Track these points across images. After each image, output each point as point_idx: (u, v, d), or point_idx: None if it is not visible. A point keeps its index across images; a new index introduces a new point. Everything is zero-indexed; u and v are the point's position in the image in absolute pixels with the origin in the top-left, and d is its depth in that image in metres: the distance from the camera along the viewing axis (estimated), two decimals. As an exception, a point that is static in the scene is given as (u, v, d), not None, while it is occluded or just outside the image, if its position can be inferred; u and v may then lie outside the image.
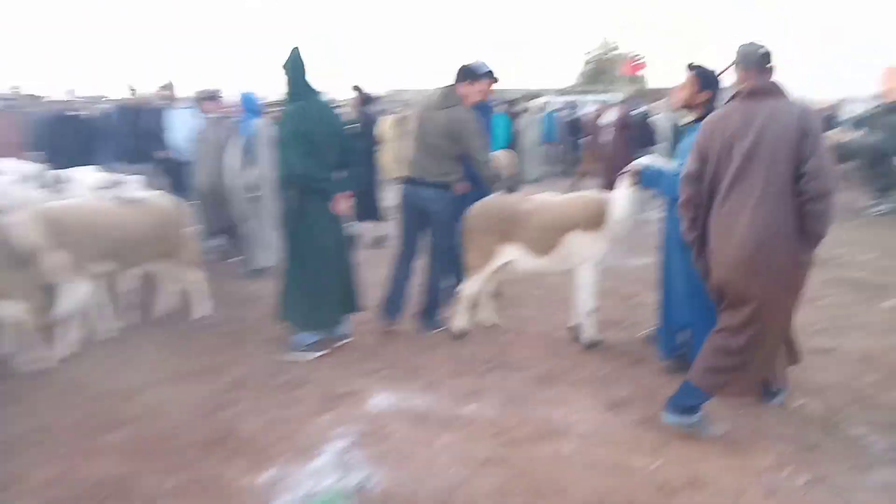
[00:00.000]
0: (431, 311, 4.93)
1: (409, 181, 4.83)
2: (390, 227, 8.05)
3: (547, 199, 4.53)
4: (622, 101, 10.44)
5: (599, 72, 46.42)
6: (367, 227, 7.86)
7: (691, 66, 3.82)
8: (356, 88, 7.91)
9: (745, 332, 3.09)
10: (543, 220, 4.36)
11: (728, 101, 3.23)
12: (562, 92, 25.83)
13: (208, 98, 6.76)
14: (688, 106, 3.88)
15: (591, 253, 4.33)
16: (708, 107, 3.78)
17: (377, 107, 9.37)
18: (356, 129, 7.58)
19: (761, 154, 2.97)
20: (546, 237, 4.35)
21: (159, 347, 4.63)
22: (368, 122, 7.79)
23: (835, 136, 13.43)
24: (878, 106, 13.35)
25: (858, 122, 11.76)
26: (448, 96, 4.64)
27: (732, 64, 3.33)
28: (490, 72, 5.19)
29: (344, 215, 4.40)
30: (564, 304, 5.07)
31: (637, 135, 9.26)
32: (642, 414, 3.56)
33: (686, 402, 3.28)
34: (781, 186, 2.94)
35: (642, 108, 13.47)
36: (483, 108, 5.51)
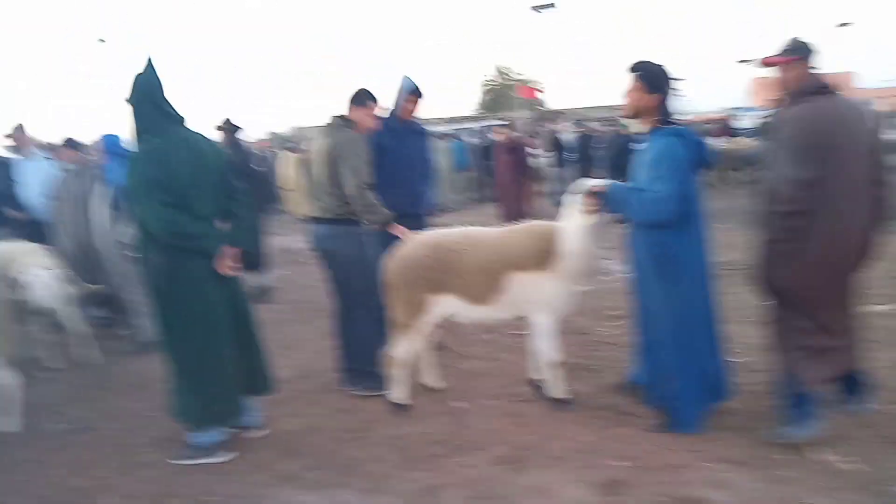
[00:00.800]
0: (359, 369, 4.13)
1: (310, 220, 4.23)
2: (275, 278, 7.20)
3: (480, 234, 3.75)
4: (506, 124, 10.11)
5: (497, 98, 47.34)
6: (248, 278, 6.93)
7: (634, 68, 3.24)
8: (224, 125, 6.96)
9: (845, 326, 3.11)
10: (478, 261, 3.57)
11: (808, 97, 2.99)
12: (450, 120, 25.72)
13: (67, 145, 5.62)
14: (636, 114, 3.30)
15: (542, 297, 3.58)
16: (662, 112, 3.22)
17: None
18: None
19: (860, 150, 2.94)
20: (484, 281, 3.57)
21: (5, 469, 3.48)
22: (240, 156, 6.85)
23: (732, 144, 13.88)
24: (768, 116, 14.01)
25: (755, 132, 12.11)
26: (336, 123, 4.10)
27: (791, 55, 3.07)
28: (415, 88, 4.54)
29: (230, 274, 3.39)
30: (520, 348, 4.36)
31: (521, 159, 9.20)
32: (648, 495, 2.86)
33: (804, 411, 3.12)
34: (865, 180, 2.95)
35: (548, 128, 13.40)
36: (414, 131, 4.77)
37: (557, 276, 3.55)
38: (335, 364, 4.32)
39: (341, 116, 4.10)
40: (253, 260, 6.90)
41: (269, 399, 3.78)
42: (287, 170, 14.16)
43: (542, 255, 3.53)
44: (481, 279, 3.56)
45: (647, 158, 3.20)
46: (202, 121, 13.79)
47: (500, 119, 26.79)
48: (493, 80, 49.40)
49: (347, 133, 4.00)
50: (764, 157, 3.15)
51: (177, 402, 3.42)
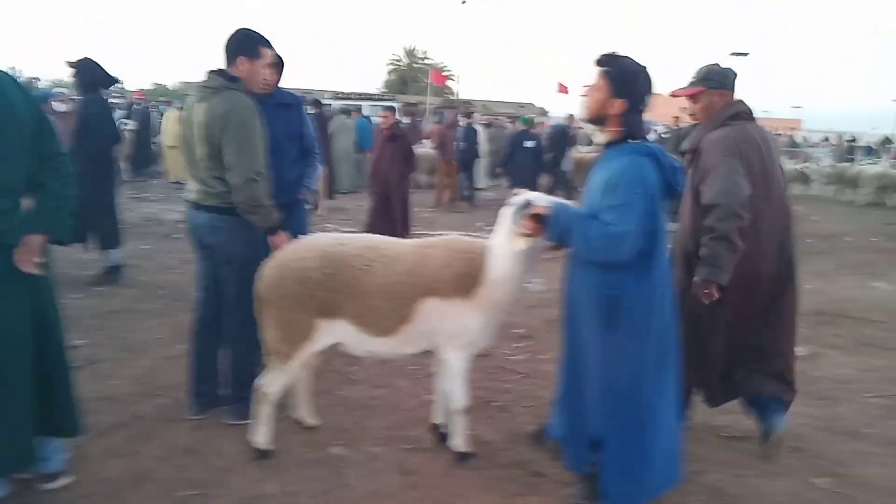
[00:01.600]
0: (239, 392, 3.25)
1: (189, 203, 3.25)
2: (125, 255, 6.08)
3: (388, 246, 2.96)
4: (387, 108, 8.64)
5: (404, 80, 46.39)
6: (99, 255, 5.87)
7: (601, 61, 2.57)
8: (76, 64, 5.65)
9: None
10: (383, 282, 2.81)
11: (726, 123, 3.11)
12: (340, 96, 24.47)
13: None
14: (595, 119, 2.66)
15: (458, 330, 2.89)
16: (629, 122, 2.60)
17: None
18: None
19: (776, 174, 3.14)
20: (389, 308, 2.82)
21: None
22: (95, 111, 5.63)
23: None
24: (668, 130, 14.66)
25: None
26: (213, 81, 3.08)
27: (700, 85, 3.19)
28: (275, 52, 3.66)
29: (34, 272, 2.39)
30: (416, 372, 3.66)
31: (403, 149, 7.85)
32: None
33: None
34: (781, 206, 3.16)
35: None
36: (280, 103, 3.84)
37: (479, 305, 2.86)
38: (187, 382, 3.39)
39: (223, 72, 3.11)
40: (104, 234, 5.76)
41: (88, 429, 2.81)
42: (169, 125, 12.57)
43: (463, 280, 2.82)
44: (386, 304, 2.79)
45: (603, 178, 2.55)
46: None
47: (405, 102, 25.98)
48: (400, 61, 48.37)
49: (233, 98, 3.01)
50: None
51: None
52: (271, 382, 2.92)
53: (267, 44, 3.17)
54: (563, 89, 26.80)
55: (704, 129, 3.15)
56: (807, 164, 17.32)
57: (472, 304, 2.85)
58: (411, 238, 7.25)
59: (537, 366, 4.51)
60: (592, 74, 2.60)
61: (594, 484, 2.79)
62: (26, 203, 2.44)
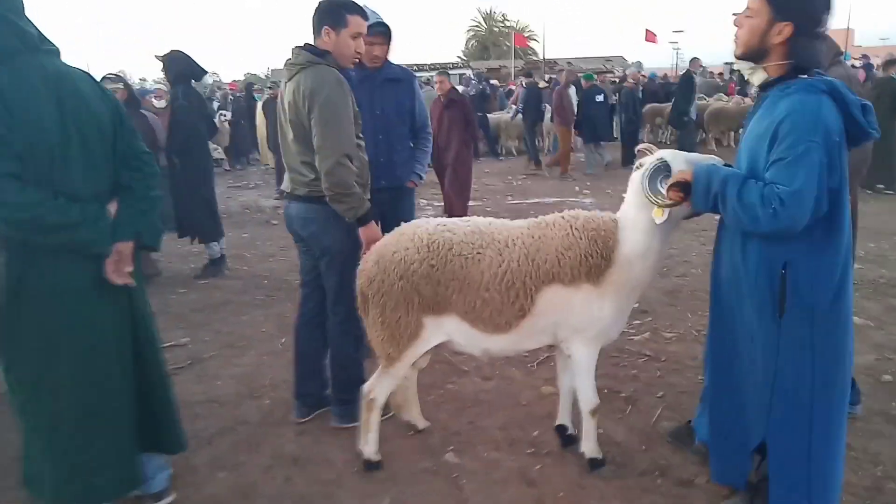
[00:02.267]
0: (343, 394, 3.02)
1: (284, 194, 3.04)
2: (224, 246, 6.02)
3: (498, 229, 2.52)
4: (441, 73, 8.02)
5: (484, 46, 45.37)
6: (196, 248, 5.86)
7: None
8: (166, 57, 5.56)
9: None
10: (497, 271, 2.41)
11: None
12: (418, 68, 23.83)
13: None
14: (750, 53, 2.11)
15: (586, 321, 2.47)
16: (798, 51, 2.02)
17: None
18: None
19: None
20: (505, 300, 2.42)
21: None
22: (186, 104, 5.50)
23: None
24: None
25: None
26: (300, 57, 2.76)
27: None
28: (381, 22, 3.36)
29: (127, 283, 2.21)
30: (529, 360, 3.31)
31: (462, 114, 6.95)
32: None
33: None
34: None
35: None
36: (387, 79, 3.61)
37: (609, 291, 2.43)
38: (293, 383, 3.19)
39: (310, 47, 2.79)
40: (202, 227, 5.75)
41: (187, 436, 2.65)
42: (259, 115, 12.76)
43: (590, 263, 2.40)
44: (501, 296, 2.42)
45: (764, 127, 2.03)
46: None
47: (488, 68, 25.28)
48: (479, 26, 47.28)
49: (320, 73, 2.69)
50: None
51: (37, 472, 2.26)
52: (378, 386, 2.64)
53: (355, 9, 2.79)
54: (651, 37, 25.15)
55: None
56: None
57: (602, 291, 2.43)
58: (466, 212, 6.83)
59: (663, 346, 4.04)
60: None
61: (757, 498, 2.34)
62: (110, 208, 2.25)
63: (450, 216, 5.39)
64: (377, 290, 2.48)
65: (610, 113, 11.72)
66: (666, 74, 21.81)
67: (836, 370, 2.10)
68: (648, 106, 13.66)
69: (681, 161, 2.21)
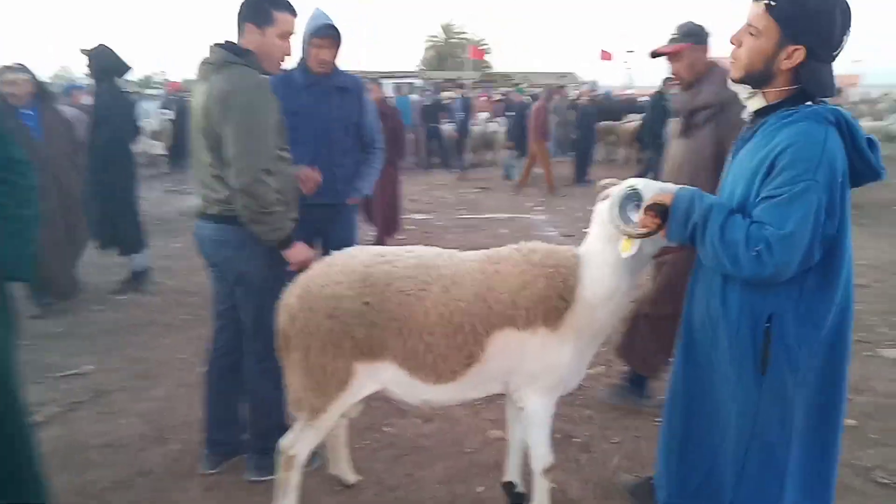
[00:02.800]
0: (261, 442, 2.61)
1: (197, 214, 2.59)
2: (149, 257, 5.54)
3: (446, 262, 2.17)
4: (373, 81, 7.85)
5: (441, 57, 45.44)
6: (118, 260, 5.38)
7: None
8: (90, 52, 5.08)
9: None
10: (443, 311, 2.07)
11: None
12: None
13: None
14: (751, 76, 1.79)
15: (542, 369, 2.15)
16: (809, 77, 1.73)
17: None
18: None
19: None
20: (451, 345, 2.08)
21: None
22: (109, 101, 5.06)
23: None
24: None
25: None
26: (215, 55, 2.39)
27: (685, 41, 2.96)
28: (331, 25, 3.03)
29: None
30: (474, 402, 2.99)
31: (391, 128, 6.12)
32: None
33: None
34: None
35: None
36: (334, 87, 3.28)
37: (569, 335, 2.13)
38: (202, 428, 2.77)
39: (230, 45, 2.42)
40: (121, 236, 5.21)
41: (74, 489, 2.21)
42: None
43: (548, 303, 2.08)
44: (446, 341, 2.08)
45: (759, 157, 1.74)
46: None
47: (445, 78, 25.09)
48: (437, 38, 47.34)
49: (239, 74, 2.32)
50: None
51: None
52: (299, 442, 2.25)
53: (284, 6, 2.44)
54: (606, 56, 25.49)
55: (716, 88, 2.80)
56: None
57: (561, 335, 2.12)
58: (394, 236, 6.45)
59: (617, 381, 3.77)
60: (747, 10, 1.78)
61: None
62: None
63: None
64: (300, 330, 2.11)
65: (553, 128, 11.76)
66: (626, 93, 22.08)
67: (825, 440, 1.84)
68: (602, 123, 13.68)
69: (653, 190, 1.93)
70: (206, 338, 4.06)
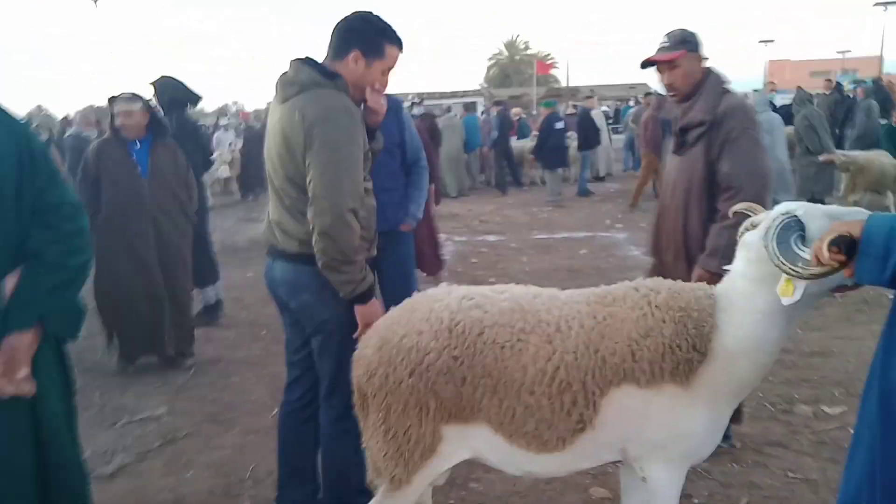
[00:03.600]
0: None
1: (268, 249, 2.35)
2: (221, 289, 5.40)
3: (546, 305, 1.81)
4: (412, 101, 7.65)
5: (505, 74, 45.28)
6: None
7: None
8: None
9: None
10: (545, 366, 1.72)
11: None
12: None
13: None
14: None
15: (668, 436, 1.76)
16: None
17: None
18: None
19: None
20: (555, 407, 1.73)
21: None
22: (177, 133, 4.81)
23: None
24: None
25: None
26: (301, 74, 2.10)
27: (680, 48, 2.69)
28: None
29: (23, 392, 1.57)
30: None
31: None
32: None
33: None
34: None
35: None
36: (387, 107, 2.96)
37: (702, 396, 1.73)
38: (275, 484, 2.52)
39: (316, 64, 2.14)
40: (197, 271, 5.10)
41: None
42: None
43: (677, 357, 1.70)
44: (551, 401, 1.72)
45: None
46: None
47: (510, 96, 24.87)
48: (500, 54, 47.25)
49: (330, 98, 2.05)
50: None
51: None
52: (378, 514, 1.94)
53: (395, 39, 2.17)
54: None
55: (711, 102, 2.64)
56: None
57: (692, 395, 1.72)
58: (439, 276, 5.51)
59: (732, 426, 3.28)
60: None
61: None
62: (10, 284, 1.62)
63: None
64: (379, 388, 1.80)
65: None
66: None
67: None
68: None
69: (819, 216, 1.52)
70: (279, 375, 3.89)
